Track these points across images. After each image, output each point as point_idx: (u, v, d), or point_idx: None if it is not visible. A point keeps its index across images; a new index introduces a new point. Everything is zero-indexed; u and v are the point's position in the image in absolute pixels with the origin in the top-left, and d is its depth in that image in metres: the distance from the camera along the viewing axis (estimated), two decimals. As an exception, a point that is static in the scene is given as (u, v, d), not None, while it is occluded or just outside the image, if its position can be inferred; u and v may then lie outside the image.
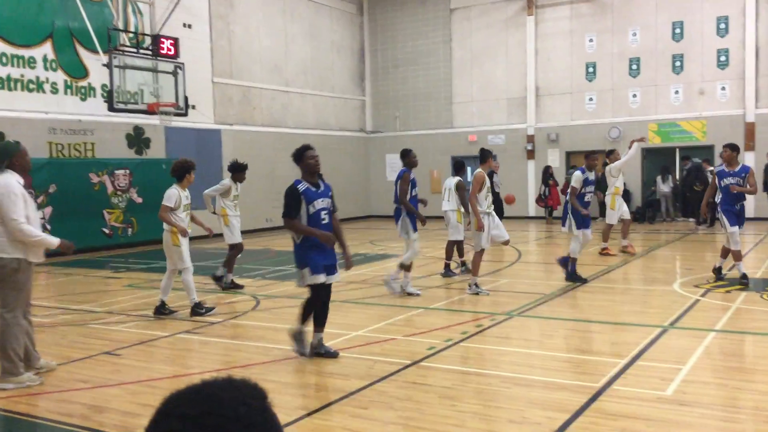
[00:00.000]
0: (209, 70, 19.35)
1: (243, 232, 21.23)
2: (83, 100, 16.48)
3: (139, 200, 17.13)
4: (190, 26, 18.60)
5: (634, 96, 21.26)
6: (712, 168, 17.76)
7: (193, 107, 17.98)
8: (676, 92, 20.69)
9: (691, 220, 19.18)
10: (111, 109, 15.32)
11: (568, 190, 10.31)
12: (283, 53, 21.94)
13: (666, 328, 7.15)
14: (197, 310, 8.39)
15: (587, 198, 10.32)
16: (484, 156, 9.79)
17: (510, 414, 4.75)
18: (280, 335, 7.43)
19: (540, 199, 21.69)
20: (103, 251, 15.99)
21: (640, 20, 21.06)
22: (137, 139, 17.70)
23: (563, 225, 10.45)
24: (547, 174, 21.16)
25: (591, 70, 21.82)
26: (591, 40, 21.78)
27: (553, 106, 22.49)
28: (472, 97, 23.76)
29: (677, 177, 20.59)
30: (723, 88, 20.09)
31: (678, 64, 20.61)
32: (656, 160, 21.16)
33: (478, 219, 9.22)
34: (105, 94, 16.19)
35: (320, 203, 6.19)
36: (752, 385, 5.41)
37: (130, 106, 15.67)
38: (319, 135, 23.16)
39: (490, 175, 10.55)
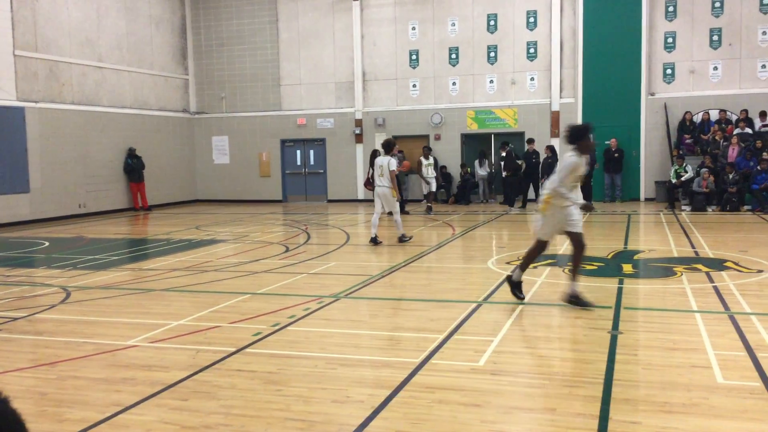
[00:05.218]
0: (10, 43, 17.55)
1: (51, 219, 19.60)
2: None
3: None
4: (-15, -8, 16.75)
5: (454, 84, 22.30)
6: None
7: (-9, 82, 16.26)
8: (491, 81, 21.98)
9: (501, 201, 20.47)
10: None
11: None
12: (96, 26, 20.41)
13: (480, 303, 7.60)
14: (403, 239, 12.51)
15: None
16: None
17: (334, 394, 4.81)
18: (93, 328, 6.97)
19: (368, 183, 22.08)
20: None
21: (458, 11, 22.06)
22: None
23: None
24: (374, 157, 21.54)
25: (414, 57, 22.54)
26: (414, 28, 22.49)
27: (379, 92, 22.98)
28: (301, 79, 23.65)
29: (493, 161, 21.93)
30: (532, 79, 21.65)
31: (492, 54, 21.88)
32: (474, 145, 22.38)
33: None
34: None
35: None
36: (554, 352, 5.91)
37: None
38: (137, 114, 21.93)
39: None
